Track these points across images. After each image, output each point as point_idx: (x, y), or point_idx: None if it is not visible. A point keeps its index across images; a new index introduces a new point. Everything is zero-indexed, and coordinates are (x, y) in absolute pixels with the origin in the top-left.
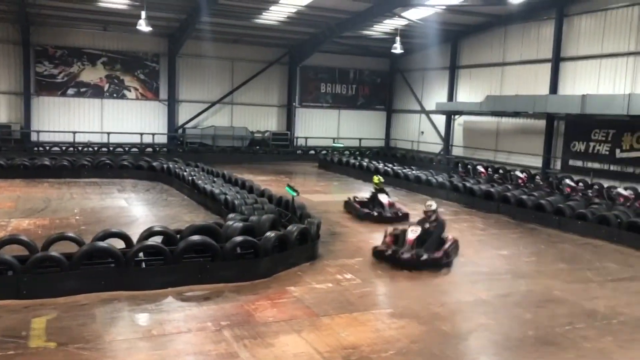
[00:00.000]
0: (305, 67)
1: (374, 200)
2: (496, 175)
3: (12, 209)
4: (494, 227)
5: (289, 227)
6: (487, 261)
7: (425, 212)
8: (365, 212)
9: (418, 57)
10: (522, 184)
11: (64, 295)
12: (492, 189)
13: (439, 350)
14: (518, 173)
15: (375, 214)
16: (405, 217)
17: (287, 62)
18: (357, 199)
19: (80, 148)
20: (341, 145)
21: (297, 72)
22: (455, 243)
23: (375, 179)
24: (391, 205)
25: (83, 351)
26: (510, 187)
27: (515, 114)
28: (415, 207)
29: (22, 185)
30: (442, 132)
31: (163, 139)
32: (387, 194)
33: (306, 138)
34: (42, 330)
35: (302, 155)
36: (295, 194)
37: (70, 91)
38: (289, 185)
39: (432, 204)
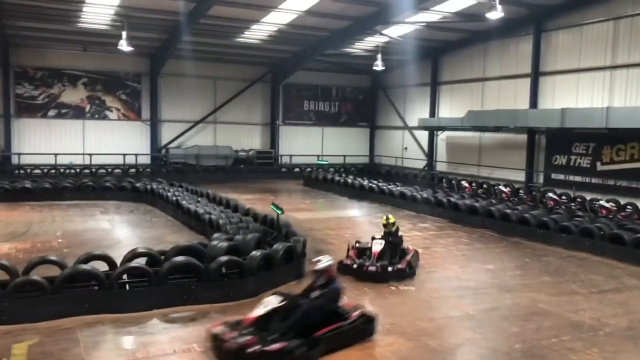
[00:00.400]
0: (287, 85)
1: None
2: (480, 190)
3: None
4: (479, 241)
5: (275, 246)
6: (472, 275)
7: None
8: (346, 264)
9: (399, 73)
10: (506, 199)
11: (46, 320)
12: (476, 204)
13: None
14: (502, 187)
15: (355, 266)
16: (398, 274)
17: (269, 80)
18: (358, 244)
19: (62, 170)
20: (325, 162)
21: (279, 90)
22: (368, 320)
23: (383, 219)
24: (402, 255)
25: None
26: (494, 201)
27: (497, 129)
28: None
29: (2, 209)
30: (426, 148)
31: (146, 160)
32: (394, 239)
33: (290, 156)
34: (23, 356)
35: (286, 173)
36: (280, 212)
37: (51, 113)
38: (273, 204)
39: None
